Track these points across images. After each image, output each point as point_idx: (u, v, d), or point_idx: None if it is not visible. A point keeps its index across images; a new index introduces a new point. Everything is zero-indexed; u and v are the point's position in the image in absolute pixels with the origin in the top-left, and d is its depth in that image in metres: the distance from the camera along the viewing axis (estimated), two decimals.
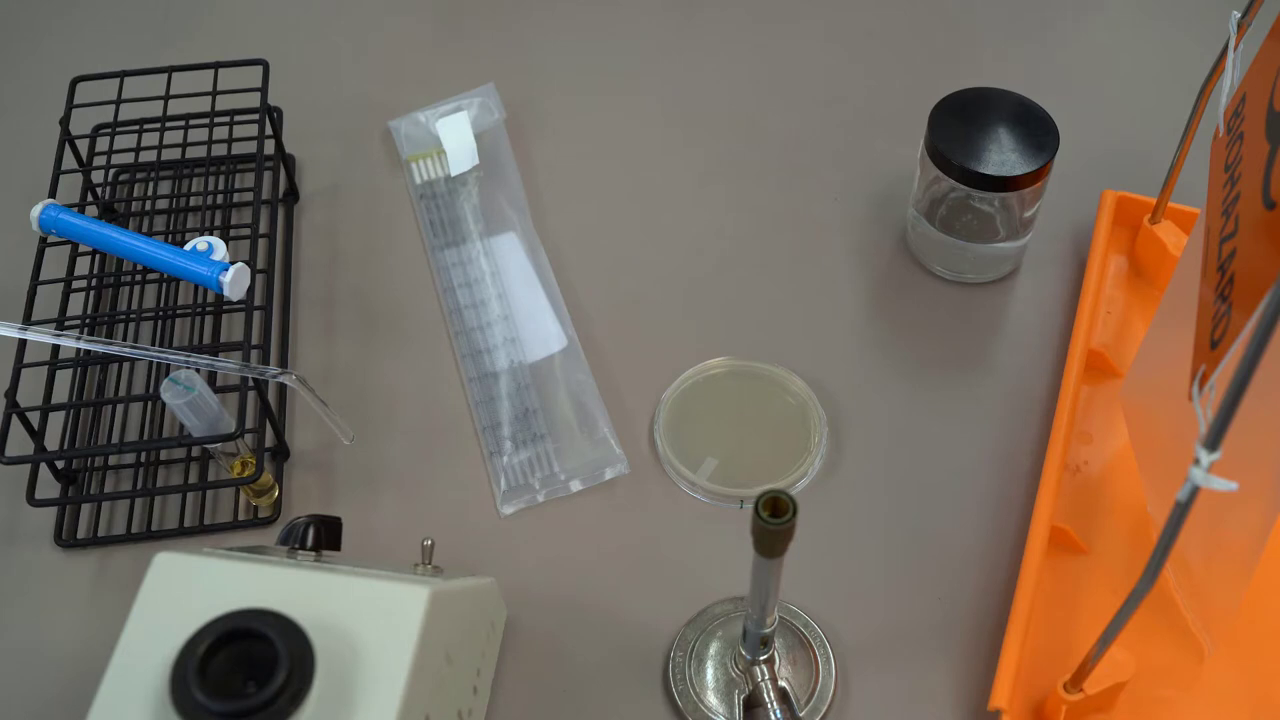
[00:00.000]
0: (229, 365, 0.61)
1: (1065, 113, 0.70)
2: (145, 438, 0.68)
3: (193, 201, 0.78)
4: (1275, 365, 0.38)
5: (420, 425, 0.69)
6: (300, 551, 0.52)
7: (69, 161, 0.73)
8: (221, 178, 0.78)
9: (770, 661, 0.57)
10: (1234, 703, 0.58)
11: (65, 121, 0.73)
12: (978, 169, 0.66)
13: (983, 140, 0.67)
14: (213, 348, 0.65)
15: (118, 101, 0.74)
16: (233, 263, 0.64)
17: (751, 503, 0.42)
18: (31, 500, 0.65)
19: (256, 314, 0.67)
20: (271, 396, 0.69)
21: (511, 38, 0.89)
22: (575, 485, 0.67)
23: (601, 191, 0.80)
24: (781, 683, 0.58)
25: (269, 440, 0.68)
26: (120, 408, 0.70)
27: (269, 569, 0.48)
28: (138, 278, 0.72)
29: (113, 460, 0.68)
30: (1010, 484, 0.66)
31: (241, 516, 0.66)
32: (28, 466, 0.65)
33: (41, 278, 0.68)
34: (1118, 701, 0.57)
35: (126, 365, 0.71)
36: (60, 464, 0.66)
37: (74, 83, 0.75)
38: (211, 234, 0.68)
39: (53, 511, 0.66)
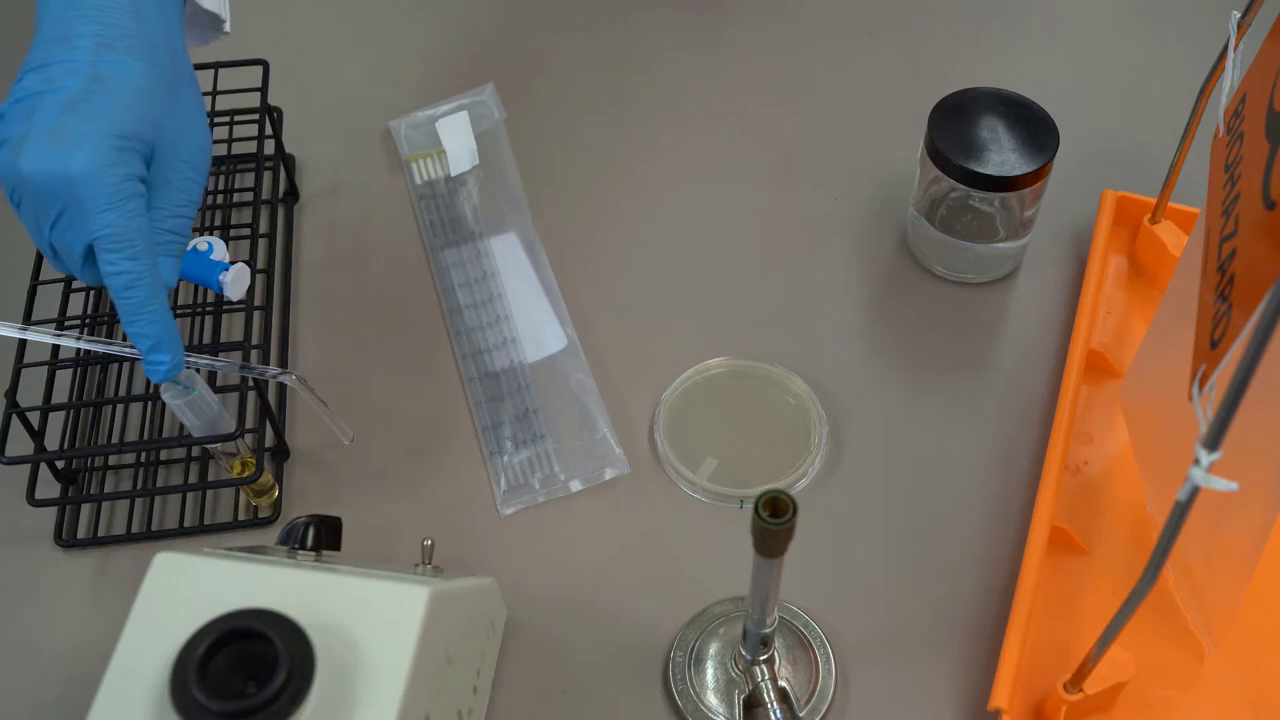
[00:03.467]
0: (229, 365, 0.61)
1: (1065, 113, 0.70)
2: (145, 438, 0.68)
3: None
4: (1275, 365, 0.38)
5: (420, 425, 0.69)
6: (300, 551, 0.52)
7: None
8: (221, 178, 0.78)
9: (770, 661, 0.57)
10: (1234, 703, 0.58)
11: None
12: (978, 169, 0.66)
13: (983, 140, 0.67)
14: (213, 348, 0.65)
15: None
16: (233, 263, 0.64)
17: (751, 503, 0.42)
18: (31, 500, 0.65)
19: (256, 314, 0.67)
20: (271, 396, 0.69)
21: (511, 38, 0.89)
22: (575, 485, 0.67)
23: (601, 191, 0.80)
24: (781, 683, 0.58)
25: (269, 440, 0.68)
26: (120, 408, 0.70)
27: (269, 569, 0.48)
28: None
29: (113, 460, 0.68)
30: (1010, 484, 0.66)
31: (241, 516, 0.66)
32: (28, 466, 0.65)
33: (41, 278, 0.68)
34: (1118, 701, 0.57)
35: (126, 365, 0.71)
36: (60, 464, 0.66)
37: None
38: (211, 234, 0.68)
39: (53, 511, 0.66)
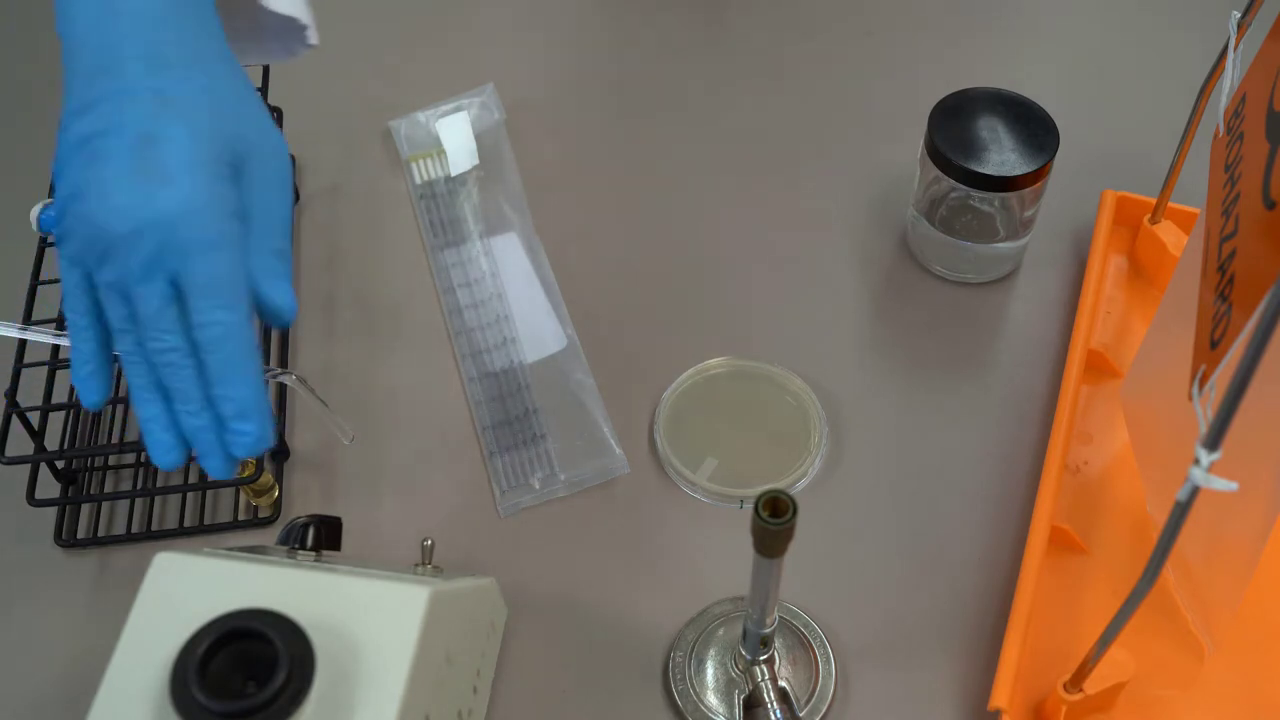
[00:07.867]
0: None
1: (1065, 113, 0.70)
2: None
3: None
4: (1275, 365, 0.38)
5: (420, 425, 0.69)
6: (300, 551, 0.52)
7: None
8: None
9: (770, 661, 0.57)
10: (1234, 703, 0.58)
11: None
12: (978, 169, 0.66)
13: (983, 140, 0.67)
14: None
15: None
16: None
17: (751, 503, 0.42)
18: (31, 500, 0.65)
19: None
20: (271, 396, 0.69)
21: (511, 38, 0.89)
22: (575, 485, 0.67)
23: (601, 191, 0.80)
24: (781, 683, 0.58)
25: None
26: (120, 408, 0.70)
27: (269, 569, 0.48)
28: None
29: (113, 460, 0.68)
30: (1010, 484, 0.66)
31: (241, 516, 0.66)
32: (28, 466, 0.65)
33: (41, 278, 0.68)
34: (1118, 701, 0.57)
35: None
36: (60, 464, 0.66)
37: None
38: None
39: (53, 511, 0.66)
